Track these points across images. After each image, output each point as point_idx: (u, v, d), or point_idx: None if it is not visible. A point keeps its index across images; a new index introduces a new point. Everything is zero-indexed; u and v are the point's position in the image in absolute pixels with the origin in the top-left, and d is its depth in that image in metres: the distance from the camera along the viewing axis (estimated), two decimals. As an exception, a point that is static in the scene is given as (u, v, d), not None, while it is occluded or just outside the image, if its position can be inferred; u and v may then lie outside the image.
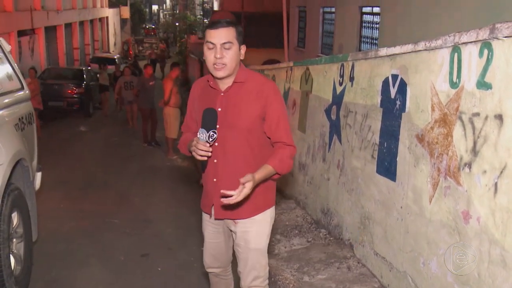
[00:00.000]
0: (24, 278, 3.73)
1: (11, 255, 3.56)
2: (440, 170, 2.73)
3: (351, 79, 4.24)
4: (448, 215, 2.63)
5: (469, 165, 2.46)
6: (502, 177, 2.22)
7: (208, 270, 2.93)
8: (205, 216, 2.78)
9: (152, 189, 7.24)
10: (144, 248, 4.83)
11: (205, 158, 2.41)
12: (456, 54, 2.59)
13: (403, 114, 3.23)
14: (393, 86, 3.40)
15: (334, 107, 4.63)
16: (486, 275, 2.32)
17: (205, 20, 42.75)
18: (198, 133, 2.38)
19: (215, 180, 2.58)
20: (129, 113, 12.86)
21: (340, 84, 4.50)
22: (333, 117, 4.64)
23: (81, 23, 27.89)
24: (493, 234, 2.28)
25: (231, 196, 2.27)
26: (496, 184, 2.26)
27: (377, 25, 10.25)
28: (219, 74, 2.46)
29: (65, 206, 6.19)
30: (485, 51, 2.33)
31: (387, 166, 3.43)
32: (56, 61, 22.78)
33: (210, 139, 2.37)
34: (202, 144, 2.36)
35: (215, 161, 2.43)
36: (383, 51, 3.54)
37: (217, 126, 2.43)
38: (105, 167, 8.69)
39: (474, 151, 2.42)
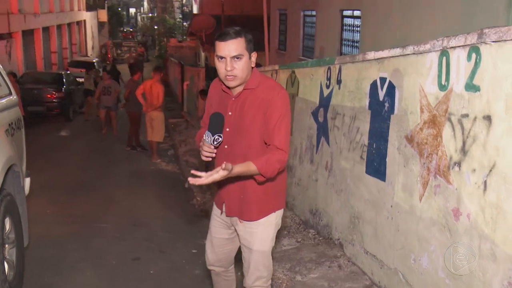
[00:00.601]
0: (17, 284, 3.72)
1: (4, 260, 3.56)
2: (429, 170, 2.84)
3: (338, 82, 4.34)
4: (439, 212, 2.74)
5: (458, 164, 2.57)
6: (491, 175, 2.34)
7: (209, 267, 3.00)
8: (215, 211, 2.86)
9: (139, 193, 7.24)
10: (135, 252, 4.85)
11: (210, 159, 2.51)
12: (444, 58, 2.70)
13: (392, 116, 3.34)
14: (382, 88, 3.51)
15: (321, 109, 4.73)
16: (476, 270, 2.43)
17: (184, 24, 42.62)
18: (204, 135, 2.47)
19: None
20: (104, 118, 12.56)
21: (327, 87, 4.60)
22: (321, 119, 4.73)
23: (59, 26, 27.58)
24: (483, 230, 2.39)
25: (200, 177, 2.29)
26: (485, 182, 2.37)
27: (358, 28, 10.42)
28: (231, 84, 2.53)
29: (52, 212, 6.16)
30: (473, 55, 2.44)
31: (376, 167, 3.54)
32: (34, 65, 22.47)
33: (215, 143, 2.47)
34: (207, 146, 2.47)
35: (225, 162, 2.47)
36: (371, 55, 3.65)
37: (227, 129, 2.53)
38: (90, 172, 8.64)
39: (464, 151, 2.53)
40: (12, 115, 4.33)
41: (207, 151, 2.47)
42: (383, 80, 3.49)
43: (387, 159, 3.38)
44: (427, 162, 2.87)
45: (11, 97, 4.51)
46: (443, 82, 2.72)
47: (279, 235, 4.91)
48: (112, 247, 4.96)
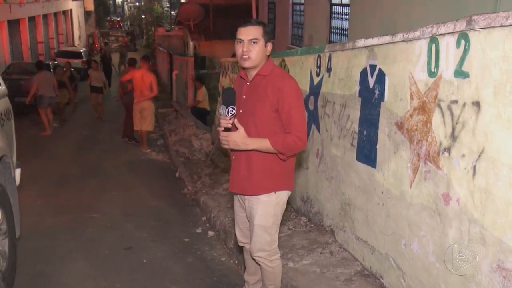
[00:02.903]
0: (10, 274, 3.72)
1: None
2: (419, 156, 2.87)
3: (328, 70, 4.35)
4: (429, 198, 2.78)
5: (448, 149, 2.61)
6: (480, 160, 2.38)
7: (239, 243, 3.29)
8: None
9: (129, 183, 7.23)
10: (127, 241, 4.86)
11: (226, 145, 2.81)
12: (433, 45, 2.72)
13: (382, 103, 3.37)
14: (371, 76, 3.53)
15: (311, 97, 4.75)
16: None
17: (172, 12, 42.29)
18: (220, 109, 2.75)
19: (233, 158, 2.99)
20: (94, 103, 13.30)
21: (317, 75, 4.61)
22: (311, 107, 4.75)
23: (45, 16, 27.24)
24: (472, 214, 2.43)
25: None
26: (474, 167, 2.41)
27: (347, 16, 10.42)
28: (245, 64, 2.81)
29: (43, 202, 6.14)
30: (462, 42, 2.47)
31: (367, 154, 3.57)
32: (21, 55, 22.22)
33: (229, 114, 2.76)
34: (223, 119, 2.79)
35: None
36: (361, 43, 3.67)
37: (240, 111, 2.83)
38: (79, 162, 8.60)
39: (453, 137, 2.56)
40: (2, 106, 4.30)
41: (224, 123, 2.77)
42: (373, 67, 3.51)
43: (377, 146, 3.41)
44: (417, 149, 2.90)
45: (0, 88, 4.47)
46: (432, 69, 2.75)
47: (270, 223, 4.97)
48: (104, 237, 4.97)
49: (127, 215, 5.72)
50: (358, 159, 3.72)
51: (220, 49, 18.12)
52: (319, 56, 4.57)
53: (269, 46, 2.84)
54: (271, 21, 16.34)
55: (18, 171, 4.56)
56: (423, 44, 2.83)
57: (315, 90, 4.66)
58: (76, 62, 18.67)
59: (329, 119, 4.31)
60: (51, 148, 9.97)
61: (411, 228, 2.98)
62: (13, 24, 21.45)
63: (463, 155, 2.49)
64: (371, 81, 3.53)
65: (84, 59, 23.49)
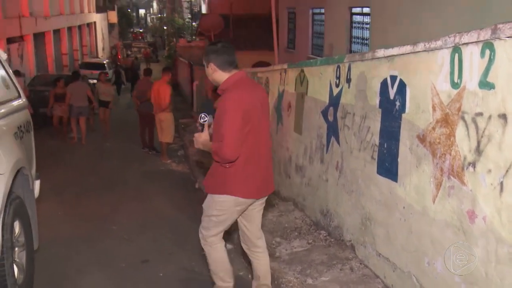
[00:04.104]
0: (27, 287, 3.70)
1: (14, 264, 3.54)
2: (443, 170, 2.76)
3: (348, 80, 4.26)
4: (453, 214, 2.66)
5: (473, 164, 2.49)
6: (507, 176, 2.25)
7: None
8: None
9: (148, 194, 7.22)
10: (144, 254, 4.82)
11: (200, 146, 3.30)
12: (456, 55, 2.62)
13: (403, 114, 3.26)
14: (392, 87, 3.43)
15: (331, 108, 4.66)
16: (494, 275, 2.35)
17: (193, 24, 42.69)
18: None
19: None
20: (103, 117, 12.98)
21: (337, 85, 4.52)
22: (330, 118, 4.66)
23: (69, 28, 27.76)
24: (499, 232, 2.31)
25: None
26: (501, 183, 2.29)
27: (368, 26, 10.31)
28: None
29: (62, 213, 6.16)
30: (487, 51, 2.36)
31: (388, 167, 3.46)
32: (45, 67, 22.64)
33: (201, 120, 3.23)
34: (198, 122, 3.33)
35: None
36: (381, 53, 3.57)
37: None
38: (100, 173, 8.64)
39: (478, 151, 2.45)
40: (21, 118, 4.32)
41: (198, 125, 3.36)
42: (393, 78, 3.41)
43: (398, 159, 3.30)
44: (440, 163, 2.79)
45: (20, 100, 4.50)
46: (455, 80, 2.64)
47: (289, 236, 4.87)
48: (121, 249, 4.94)
49: (145, 227, 5.68)
50: (378, 172, 3.61)
51: (240, 59, 18.12)
52: (338, 67, 4.49)
53: (209, 66, 3.26)
54: (291, 31, 16.32)
55: (37, 183, 4.57)
56: (445, 54, 2.72)
57: (334, 101, 4.57)
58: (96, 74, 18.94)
59: (349, 131, 4.21)
60: (73, 158, 10.06)
61: (435, 245, 2.85)
62: (39, 37, 21.91)
63: (489, 171, 2.37)
64: (392, 92, 3.43)
65: (107, 70, 23.81)
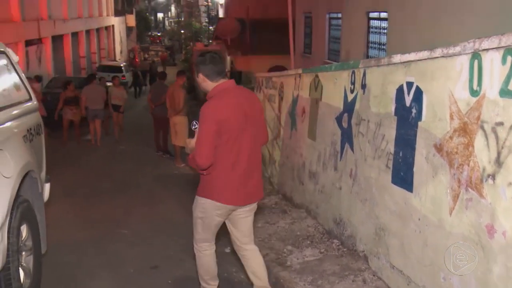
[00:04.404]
0: (33, 292, 3.66)
1: (20, 268, 3.50)
2: (460, 182, 2.64)
3: (363, 86, 4.16)
4: (471, 228, 2.54)
5: (492, 176, 2.37)
6: (529, 189, 2.14)
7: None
8: None
9: (160, 198, 7.17)
10: (153, 259, 4.75)
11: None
12: (476, 61, 2.51)
13: (419, 122, 3.15)
14: (408, 93, 3.32)
15: (345, 115, 4.56)
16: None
17: (210, 28, 42.84)
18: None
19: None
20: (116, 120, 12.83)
21: (352, 91, 4.42)
22: (345, 125, 4.56)
23: (88, 31, 27.99)
24: (520, 249, 2.19)
25: None
26: (523, 196, 2.17)
27: (385, 31, 10.17)
28: None
29: (73, 216, 6.14)
30: (509, 58, 2.25)
31: (403, 176, 3.35)
32: (63, 69, 22.84)
33: (193, 126, 3.47)
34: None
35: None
36: (397, 58, 3.47)
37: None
38: (113, 175, 8.63)
39: (498, 162, 2.33)
40: (31, 121, 4.30)
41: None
42: (410, 84, 3.30)
43: (414, 169, 3.19)
44: (457, 173, 2.67)
45: (31, 103, 4.48)
46: (475, 87, 2.53)
47: (301, 244, 4.76)
48: (130, 254, 4.88)
49: (156, 231, 5.62)
50: (393, 181, 3.49)
51: (256, 64, 18.12)
52: (353, 72, 4.39)
53: (199, 76, 3.42)
54: (308, 36, 16.22)
55: (47, 186, 4.54)
56: (464, 60, 2.61)
57: (349, 107, 4.47)
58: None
59: (363, 138, 4.11)
60: (86, 160, 10.09)
61: (451, 260, 2.73)
62: (57, 40, 22.11)
63: (510, 183, 2.25)
64: (408, 99, 3.32)
65: (124, 73, 24.01)
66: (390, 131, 3.57)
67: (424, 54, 3.04)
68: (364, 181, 4.06)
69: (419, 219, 3.10)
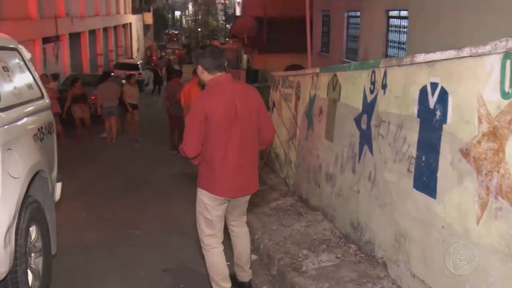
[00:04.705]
0: (43, 295, 3.59)
1: (29, 270, 3.43)
2: (489, 189, 2.48)
3: (384, 86, 4.00)
4: (500, 239, 2.38)
5: (525, 185, 2.21)
6: None
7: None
8: None
9: (174, 198, 7.08)
10: (166, 262, 4.66)
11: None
12: (508, 61, 2.35)
13: (444, 125, 2.99)
14: (432, 95, 3.16)
15: (364, 116, 4.40)
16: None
17: (227, 26, 42.78)
18: None
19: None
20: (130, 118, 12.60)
21: (371, 92, 4.26)
22: (364, 126, 4.40)
23: (105, 29, 28.14)
24: (556, 264, 2.02)
25: None
26: (560, 208, 2.01)
27: (405, 29, 9.95)
28: None
29: (85, 216, 6.08)
30: (546, 58, 2.08)
31: (425, 181, 3.18)
32: (80, 67, 22.97)
33: None
34: None
35: None
36: (421, 57, 3.30)
37: None
38: (127, 174, 8.59)
39: (532, 170, 2.16)
40: (43, 119, 4.23)
41: None
42: (434, 85, 3.14)
43: (438, 174, 3.02)
44: (486, 181, 2.51)
45: (43, 101, 4.41)
46: (506, 89, 2.36)
47: (317, 249, 4.62)
48: (142, 256, 4.79)
49: (169, 233, 5.53)
50: (415, 186, 3.33)
51: (273, 62, 17.98)
52: (373, 72, 4.23)
53: (198, 68, 3.53)
54: (326, 34, 16.03)
55: (58, 186, 4.48)
56: (495, 60, 2.45)
57: (368, 108, 4.31)
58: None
59: (383, 140, 3.95)
60: (101, 158, 10.06)
61: (478, 272, 2.57)
62: (74, 37, 22.25)
63: (546, 193, 2.09)
64: (432, 101, 3.15)
65: (141, 71, 24.08)
66: (412, 134, 3.41)
67: (451, 53, 2.87)
68: (383, 185, 3.90)
69: (442, 227, 2.94)
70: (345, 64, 5.74)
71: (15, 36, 4.48)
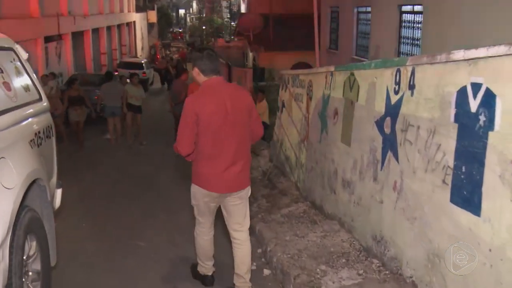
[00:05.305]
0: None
1: (26, 285, 3.09)
2: (554, 210, 2.10)
3: (411, 87, 3.62)
4: None
5: None
6: None
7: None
8: None
9: (179, 205, 6.69)
10: (170, 277, 4.32)
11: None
12: None
13: (490, 133, 2.61)
14: (474, 97, 2.78)
15: (388, 119, 4.02)
16: None
17: (232, 23, 42.38)
18: None
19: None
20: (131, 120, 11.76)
21: (396, 92, 3.89)
22: (387, 130, 4.02)
23: (108, 28, 27.81)
24: None
25: None
26: None
27: (419, 25, 9.55)
28: None
29: (87, 225, 5.73)
30: None
31: (466, 196, 2.81)
32: (83, 66, 22.66)
33: None
34: None
35: None
36: (459, 54, 2.92)
37: None
38: (131, 179, 8.23)
39: None
40: (41, 123, 3.91)
41: None
42: (476, 86, 2.76)
43: (483, 188, 2.65)
44: (549, 200, 2.13)
45: (41, 103, 4.07)
46: None
47: (336, 264, 4.24)
48: (145, 270, 4.45)
49: (174, 244, 5.18)
50: (453, 201, 2.95)
51: (280, 60, 17.60)
52: (398, 70, 3.85)
53: (194, 70, 3.71)
54: (334, 31, 15.63)
55: (58, 192, 4.18)
56: (561, 57, 2.07)
57: (392, 110, 3.93)
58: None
59: (412, 146, 3.57)
60: (104, 162, 9.73)
61: (538, 306, 2.20)
62: (77, 36, 21.92)
63: None
64: (474, 104, 2.78)
65: (145, 70, 23.73)
66: (449, 141, 3.03)
67: (500, 49, 2.50)
68: (412, 197, 3.53)
69: (489, 251, 2.57)
70: (364, 62, 5.34)
71: (16, 35, 4.17)
